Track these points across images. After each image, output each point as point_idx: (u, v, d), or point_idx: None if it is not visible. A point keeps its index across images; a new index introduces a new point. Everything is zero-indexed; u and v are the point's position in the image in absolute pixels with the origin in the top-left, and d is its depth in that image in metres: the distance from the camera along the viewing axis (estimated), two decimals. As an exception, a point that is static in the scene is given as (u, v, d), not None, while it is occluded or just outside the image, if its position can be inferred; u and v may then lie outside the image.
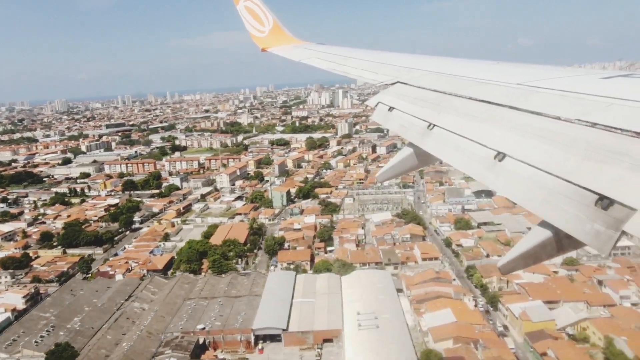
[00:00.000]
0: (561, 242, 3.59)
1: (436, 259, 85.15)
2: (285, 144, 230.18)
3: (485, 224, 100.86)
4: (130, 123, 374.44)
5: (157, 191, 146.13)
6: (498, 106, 4.95)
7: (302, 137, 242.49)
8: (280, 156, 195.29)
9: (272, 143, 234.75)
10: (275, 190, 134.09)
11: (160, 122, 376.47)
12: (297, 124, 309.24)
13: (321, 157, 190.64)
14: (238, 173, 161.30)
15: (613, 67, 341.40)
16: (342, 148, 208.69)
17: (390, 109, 6.92)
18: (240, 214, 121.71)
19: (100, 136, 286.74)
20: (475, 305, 69.21)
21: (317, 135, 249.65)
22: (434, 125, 5.53)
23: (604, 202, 2.97)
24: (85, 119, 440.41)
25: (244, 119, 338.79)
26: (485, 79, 6.38)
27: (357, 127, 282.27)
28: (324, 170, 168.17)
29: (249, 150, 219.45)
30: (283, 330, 61.63)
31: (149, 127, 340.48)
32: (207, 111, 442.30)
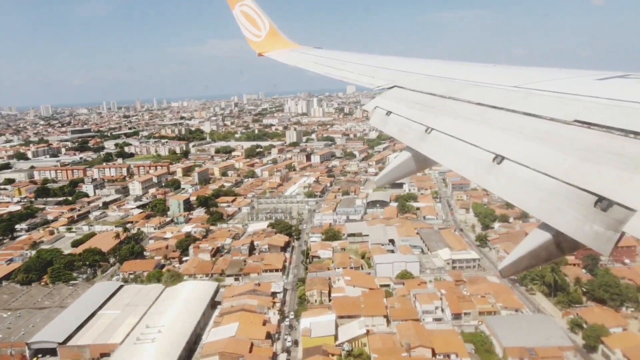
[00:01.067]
0: (561, 244, 3.56)
1: (277, 270, 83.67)
2: (229, 151, 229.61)
3: (353, 235, 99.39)
4: (100, 129, 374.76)
5: (64, 198, 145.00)
6: (495, 109, 4.96)
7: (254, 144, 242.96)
8: (214, 164, 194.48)
9: (217, 151, 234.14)
10: (173, 198, 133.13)
11: (130, 128, 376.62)
12: (256, 131, 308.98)
13: (252, 165, 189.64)
14: (155, 180, 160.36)
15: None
16: (279, 156, 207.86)
17: (388, 113, 6.89)
18: (131, 222, 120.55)
19: (52, 142, 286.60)
20: (282, 320, 67.80)
21: (265, 143, 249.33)
22: (432, 128, 5.48)
23: (603, 203, 2.95)
24: (60, 125, 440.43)
25: (207, 127, 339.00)
26: (482, 81, 6.40)
27: (314, 135, 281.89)
28: (247, 179, 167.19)
29: (189, 157, 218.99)
30: (59, 344, 60.19)
31: (113, 133, 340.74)
32: (182, 118, 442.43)
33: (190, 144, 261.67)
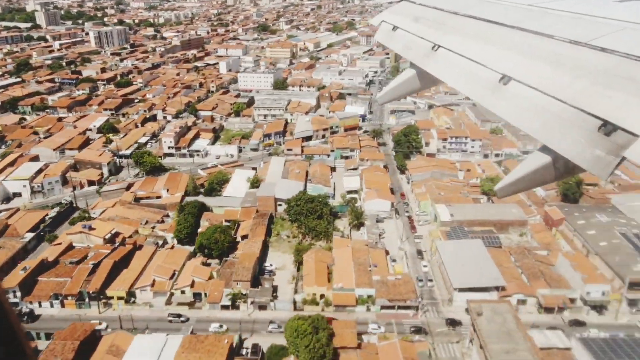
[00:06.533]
0: (560, 167, 3.57)
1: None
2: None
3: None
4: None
5: None
6: (506, 27, 4.77)
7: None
8: None
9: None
10: None
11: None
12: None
13: None
14: None
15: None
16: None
17: (394, 28, 6.65)
18: None
19: None
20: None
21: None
22: (439, 46, 5.27)
23: (608, 127, 2.92)
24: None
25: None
26: None
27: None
28: None
29: None
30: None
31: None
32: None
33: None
